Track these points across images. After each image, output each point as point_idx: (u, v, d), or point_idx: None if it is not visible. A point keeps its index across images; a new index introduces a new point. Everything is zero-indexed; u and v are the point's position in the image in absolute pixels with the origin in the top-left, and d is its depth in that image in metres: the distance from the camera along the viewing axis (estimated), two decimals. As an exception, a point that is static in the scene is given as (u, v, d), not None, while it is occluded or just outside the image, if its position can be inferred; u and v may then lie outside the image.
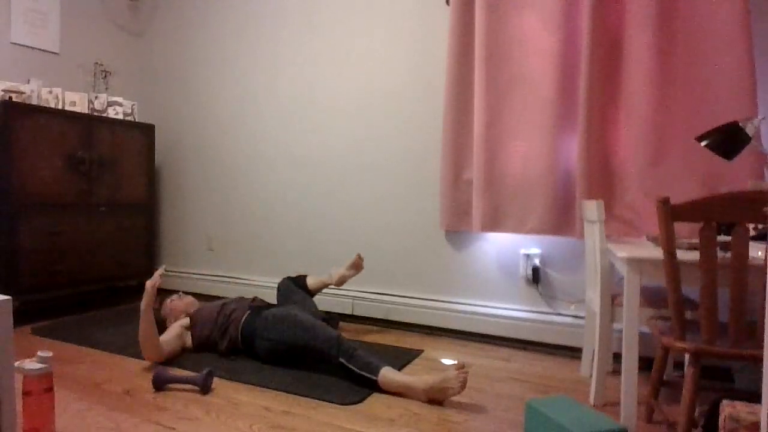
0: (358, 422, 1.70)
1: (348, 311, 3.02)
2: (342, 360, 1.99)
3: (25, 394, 1.48)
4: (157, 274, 2.12)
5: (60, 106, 3.09)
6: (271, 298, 3.08)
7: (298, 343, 2.11)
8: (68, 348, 2.43)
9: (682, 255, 1.46)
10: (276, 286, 3.14)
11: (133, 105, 3.51)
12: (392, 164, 2.96)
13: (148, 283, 2.09)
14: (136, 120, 3.52)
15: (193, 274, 3.65)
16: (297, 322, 2.14)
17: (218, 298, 3.27)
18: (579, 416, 1.44)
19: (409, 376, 1.92)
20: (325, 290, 3.10)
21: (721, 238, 1.56)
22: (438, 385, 1.83)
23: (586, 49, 2.29)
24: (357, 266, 2.72)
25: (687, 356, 1.69)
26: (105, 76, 3.68)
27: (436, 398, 1.85)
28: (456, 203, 2.69)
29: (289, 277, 2.76)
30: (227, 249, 3.54)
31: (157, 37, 3.86)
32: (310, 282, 2.74)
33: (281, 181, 3.32)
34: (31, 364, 1.49)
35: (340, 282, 2.70)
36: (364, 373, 1.95)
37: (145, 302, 2.08)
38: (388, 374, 1.92)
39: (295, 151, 3.27)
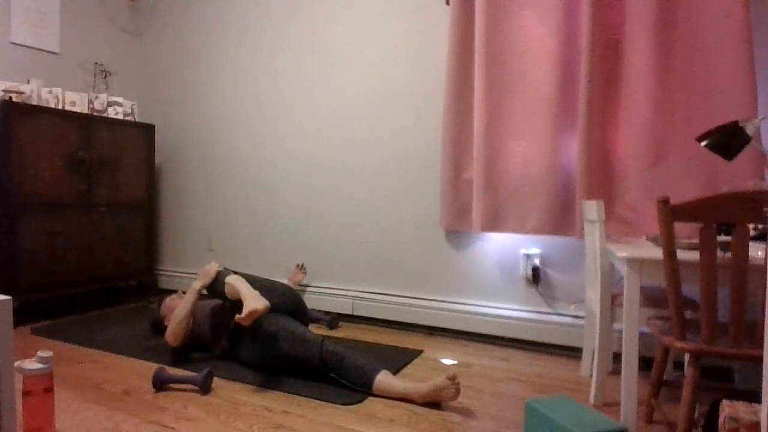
0: (358, 422, 1.70)
1: (348, 311, 3.02)
2: (332, 375, 1.98)
3: (25, 394, 1.48)
4: (213, 267, 2.26)
5: (60, 106, 3.09)
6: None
7: (284, 364, 2.07)
8: (68, 348, 2.43)
9: (682, 255, 1.46)
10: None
11: (133, 105, 3.51)
12: (392, 164, 2.96)
13: (213, 267, 2.25)
14: (136, 120, 3.52)
15: (193, 274, 3.64)
16: (279, 339, 2.07)
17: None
18: (579, 416, 1.44)
19: (403, 383, 1.88)
20: (325, 290, 3.10)
21: (721, 238, 1.56)
22: (432, 394, 1.82)
23: (586, 49, 2.29)
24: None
25: (687, 356, 1.69)
26: (105, 76, 3.68)
27: (432, 402, 1.85)
28: (456, 203, 2.69)
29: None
30: (227, 249, 3.54)
31: (157, 37, 3.86)
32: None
33: (281, 181, 3.32)
34: (31, 364, 1.49)
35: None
36: (357, 388, 1.94)
37: (200, 284, 2.22)
38: (381, 385, 1.89)
39: (295, 151, 3.27)
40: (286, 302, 2.25)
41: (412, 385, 1.86)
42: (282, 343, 2.05)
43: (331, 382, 2.02)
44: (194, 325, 2.32)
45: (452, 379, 1.81)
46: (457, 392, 1.81)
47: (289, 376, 2.11)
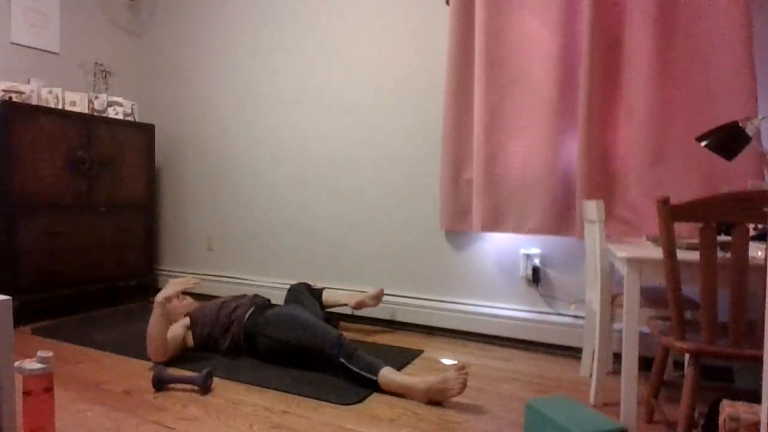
0: (358, 422, 1.70)
1: (348, 311, 3.02)
2: (342, 360, 2.00)
3: (25, 394, 1.48)
4: (190, 281, 2.21)
5: (60, 106, 3.08)
6: (273, 298, 3.08)
7: (299, 342, 2.11)
8: (68, 348, 2.43)
9: (682, 255, 1.46)
10: (283, 287, 3.18)
11: (133, 105, 3.51)
12: (392, 164, 2.96)
13: (178, 282, 2.20)
14: (136, 120, 3.52)
15: (193, 274, 3.64)
16: (298, 321, 2.15)
17: (218, 298, 3.26)
18: (579, 416, 1.44)
19: (409, 376, 1.92)
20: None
21: (721, 238, 1.56)
22: (438, 386, 1.83)
23: (586, 50, 2.29)
24: (378, 298, 2.76)
25: (687, 356, 1.69)
26: (105, 76, 3.68)
27: (435, 399, 1.85)
28: (456, 203, 2.69)
29: (305, 283, 2.81)
30: (227, 249, 3.54)
31: (157, 37, 3.86)
32: (326, 295, 2.79)
33: (281, 182, 3.32)
34: (31, 364, 1.49)
35: (358, 306, 2.72)
36: (364, 373, 1.95)
37: (163, 295, 2.16)
38: (388, 374, 1.92)
39: (295, 152, 3.27)
40: (308, 305, 2.59)
41: (418, 378, 1.88)
42: (303, 328, 2.13)
43: (336, 374, 2.07)
44: (198, 329, 2.34)
45: (461, 368, 1.82)
46: (463, 386, 1.81)
47: (295, 367, 2.17)
